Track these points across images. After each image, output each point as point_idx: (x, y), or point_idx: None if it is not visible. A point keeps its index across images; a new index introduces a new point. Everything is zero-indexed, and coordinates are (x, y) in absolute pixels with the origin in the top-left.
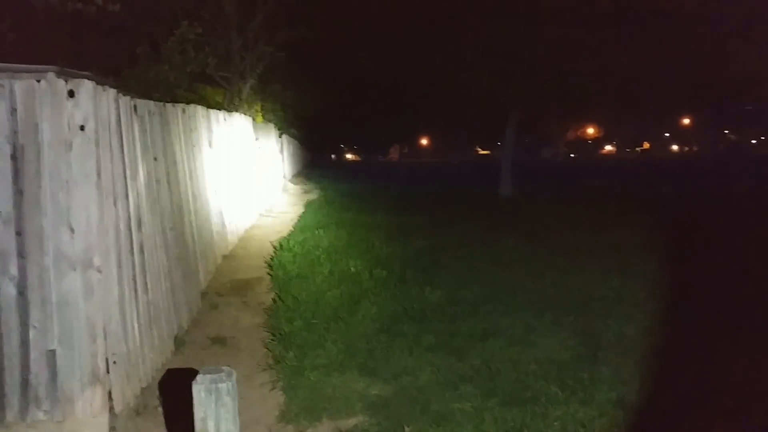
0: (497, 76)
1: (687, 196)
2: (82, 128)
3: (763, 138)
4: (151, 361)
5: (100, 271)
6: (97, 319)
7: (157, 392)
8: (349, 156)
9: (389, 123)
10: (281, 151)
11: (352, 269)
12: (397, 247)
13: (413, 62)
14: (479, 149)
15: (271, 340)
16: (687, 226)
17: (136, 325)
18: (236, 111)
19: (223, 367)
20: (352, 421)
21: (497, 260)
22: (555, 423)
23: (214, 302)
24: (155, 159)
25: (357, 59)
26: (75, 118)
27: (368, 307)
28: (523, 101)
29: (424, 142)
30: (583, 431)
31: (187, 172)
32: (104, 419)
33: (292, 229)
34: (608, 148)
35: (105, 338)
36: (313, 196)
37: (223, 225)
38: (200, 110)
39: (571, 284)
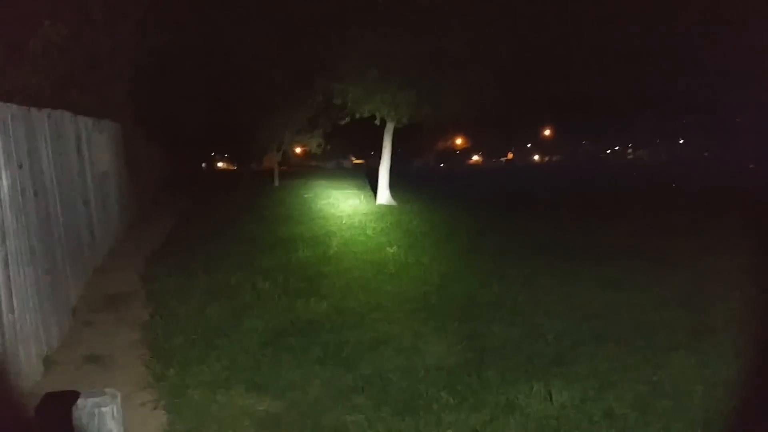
0: (375, 86)
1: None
2: None
3: (617, 148)
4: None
5: None
6: None
7: (26, 419)
8: (221, 164)
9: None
10: (151, 159)
11: (233, 281)
12: (279, 258)
13: (288, 69)
14: (354, 158)
15: (151, 357)
16: (571, 227)
17: None
18: (106, 118)
19: (107, 389)
20: None
21: (381, 269)
22: (448, 430)
23: (86, 319)
24: (20, 167)
25: (231, 65)
26: None
27: (252, 320)
28: (399, 112)
29: (298, 150)
30: None
31: (55, 181)
32: None
33: (165, 240)
34: (475, 158)
35: None
36: (187, 205)
37: (93, 237)
38: (67, 116)
39: (454, 290)
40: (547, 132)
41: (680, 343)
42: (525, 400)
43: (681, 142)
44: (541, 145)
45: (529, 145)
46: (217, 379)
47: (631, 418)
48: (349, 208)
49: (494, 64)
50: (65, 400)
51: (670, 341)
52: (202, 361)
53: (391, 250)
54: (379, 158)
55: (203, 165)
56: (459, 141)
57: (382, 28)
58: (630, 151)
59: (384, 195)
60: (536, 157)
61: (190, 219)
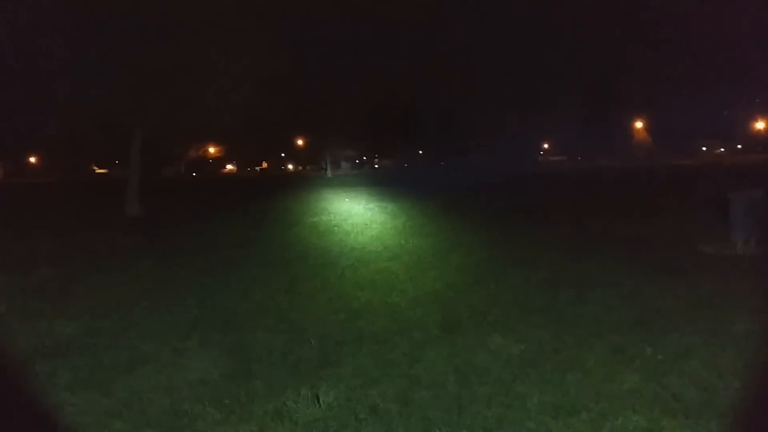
0: (120, 91)
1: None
2: None
3: (377, 157)
4: None
5: None
6: None
7: None
8: None
9: None
10: None
11: None
12: (14, 277)
13: (25, 70)
14: (96, 168)
15: None
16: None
17: None
18: None
19: None
20: None
21: (135, 285)
22: None
23: None
24: None
25: None
26: None
27: None
28: (148, 119)
29: (32, 159)
30: None
31: None
32: None
33: None
34: (229, 167)
35: None
36: None
37: None
38: None
39: (217, 302)
40: (300, 142)
41: (432, 336)
42: (293, 405)
43: (420, 152)
44: (296, 155)
45: (283, 155)
46: None
47: (394, 412)
48: (95, 220)
49: (251, 74)
50: None
51: (424, 335)
52: None
53: (145, 264)
54: (126, 168)
55: None
56: (212, 150)
57: (135, 32)
58: (377, 160)
59: (134, 206)
60: (290, 167)
61: None
